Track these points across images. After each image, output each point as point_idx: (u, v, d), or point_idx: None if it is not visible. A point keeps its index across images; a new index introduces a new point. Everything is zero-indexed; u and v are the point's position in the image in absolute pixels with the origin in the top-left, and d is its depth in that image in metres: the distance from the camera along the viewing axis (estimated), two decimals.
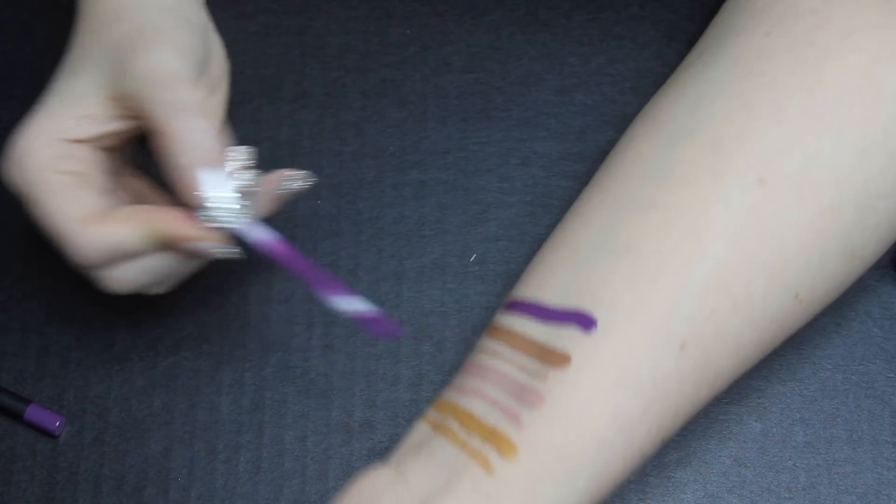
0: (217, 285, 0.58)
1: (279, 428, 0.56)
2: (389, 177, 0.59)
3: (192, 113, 0.48)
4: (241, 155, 0.50)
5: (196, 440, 0.55)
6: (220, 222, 0.48)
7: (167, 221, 0.48)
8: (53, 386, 0.56)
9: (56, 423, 0.55)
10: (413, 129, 0.60)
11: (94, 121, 0.50)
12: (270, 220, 0.53)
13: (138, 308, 0.57)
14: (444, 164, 0.60)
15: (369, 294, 0.57)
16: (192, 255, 0.50)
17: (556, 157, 0.60)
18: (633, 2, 0.62)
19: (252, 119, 0.60)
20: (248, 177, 0.49)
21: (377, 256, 0.58)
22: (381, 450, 0.55)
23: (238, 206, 0.48)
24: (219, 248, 0.49)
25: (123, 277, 0.50)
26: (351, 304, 0.49)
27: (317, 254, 0.58)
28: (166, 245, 0.49)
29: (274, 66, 0.61)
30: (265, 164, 0.59)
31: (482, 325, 0.57)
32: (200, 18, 0.53)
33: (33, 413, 0.55)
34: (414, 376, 0.56)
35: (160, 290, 0.52)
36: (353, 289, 0.49)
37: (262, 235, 0.49)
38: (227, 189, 0.48)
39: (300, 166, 0.59)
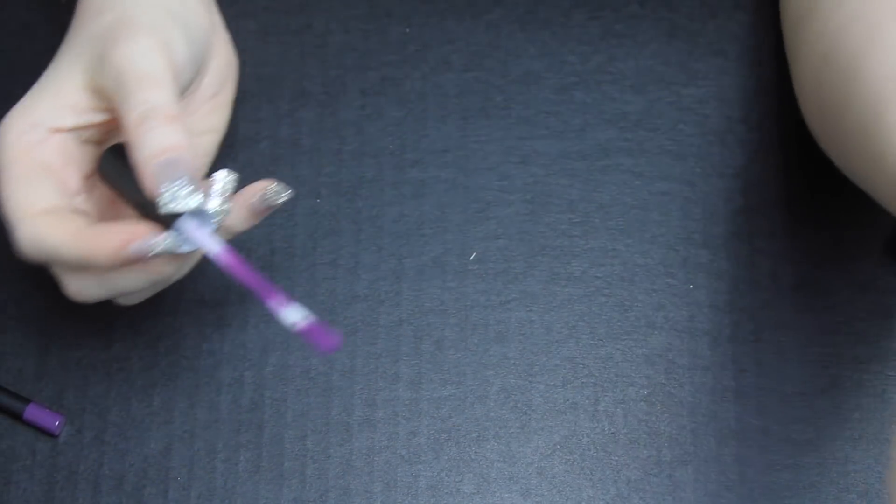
0: (216, 284, 0.58)
1: (279, 427, 0.56)
2: (389, 175, 0.59)
3: (156, 114, 0.47)
4: (222, 180, 0.48)
5: (196, 439, 0.55)
6: (174, 211, 0.46)
7: (91, 245, 0.47)
8: (53, 385, 0.56)
9: (55, 423, 0.55)
10: (413, 127, 0.60)
11: (72, 111, 0.49)
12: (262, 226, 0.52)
13: (138, 307, 0.57)
14: (443, 163, 0.60)
15: (369, 293, 0.57)
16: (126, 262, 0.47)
17: (556, 156, 0.59)
18: (632, 0, 0.62)
19: (252, 117, 0.60)
20: (218, 202, 0.48)
21: (377, 255, 0.58)
22: (380, 448, 0.55)
23: (193, 198, 0.46)
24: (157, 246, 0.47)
25: (79, 287, 0.49)
26: (295, 315, 0.47)
27: (316, 252, 0.58)
28: (84, 266, 0.47)
29: (273, 65, 0.61)
30: (265, 162, 0.59)
31: (482, 324, 0.57)
32: (192, 14, 0.52)
33: (33, 412, 0.55)
34: (413, 375, 0.56)
35: (126, 302, 0.52)
36: (292, 298, 0.47)
37: (212, 241, 0.47)
38: (183, 183, 0.46)
39: (300, 165, 0.59)
